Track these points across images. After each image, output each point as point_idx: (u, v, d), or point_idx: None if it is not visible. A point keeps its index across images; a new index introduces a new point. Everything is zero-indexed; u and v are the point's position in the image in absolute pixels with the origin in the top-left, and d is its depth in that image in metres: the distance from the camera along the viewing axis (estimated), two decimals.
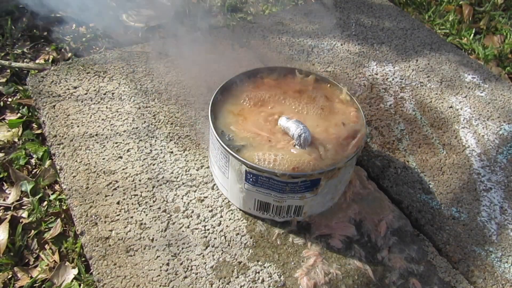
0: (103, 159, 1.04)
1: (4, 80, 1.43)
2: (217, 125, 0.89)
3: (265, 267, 0.86)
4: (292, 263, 0.87)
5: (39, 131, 1.27)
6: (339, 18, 1.61)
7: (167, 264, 0.85)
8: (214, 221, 0.93)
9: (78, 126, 1.11)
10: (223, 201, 0.97)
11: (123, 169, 1.02)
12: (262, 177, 0.82)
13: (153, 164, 1.03)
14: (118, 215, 0.93)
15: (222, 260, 0.87)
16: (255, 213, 0.92)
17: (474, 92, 1.34)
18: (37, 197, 1.10)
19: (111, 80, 1.26)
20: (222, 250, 0.88)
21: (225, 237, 0.90)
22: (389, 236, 0.93)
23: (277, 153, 0.84)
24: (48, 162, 1.18)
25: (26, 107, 1.33)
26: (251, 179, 0.84)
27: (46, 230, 1.04)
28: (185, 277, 0.83)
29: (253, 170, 0.81)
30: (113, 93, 1.22)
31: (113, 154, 1.05)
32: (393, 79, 1.36)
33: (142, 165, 1.03)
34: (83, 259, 0.97)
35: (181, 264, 0.85)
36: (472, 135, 1.20)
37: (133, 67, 1.31)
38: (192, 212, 0.94)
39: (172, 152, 1.06)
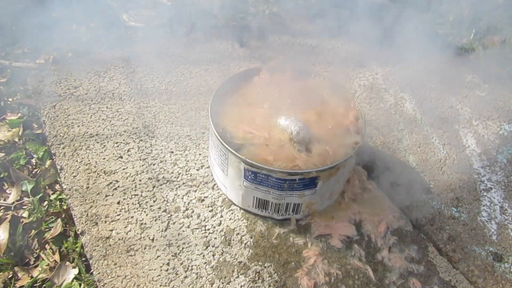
0: (104, 159, 1.04)
1: (4, 80, 1.43)
2: (217, 124, 0.89)
3: (265, 267, 0.86)
4: (293, 263, 0.87)
5: (39, 131, 1.27)
6: (339, 18, 1.61)
7: (168, 264, 0.85)
8: (214, 221, 0.93)
9: (78, 126, 1.11)
10: (223, 201, 0.97)
11: (124, 169, 1.02)
12: (261, 174, 0.82)
13: (154, 164, 1.03)
14: (119, 215, 0.93)
15: (222, 260, 0.87)
16: (254, 211, 0.93)
17: (474, 92, 1.34)
18: (38, 197, 1.10)
19: (111, 80, 1.26)
20: (223, 250, 0.88)
21: (225, 237, 0.90)
22: (389, 236, 0.94)
23: (275, 151, 0.84)
24: (48, 162, 1.18)
25: (26, 107, 1.33)
26: (250, 177, 0.84)
27: (47, 230, 1.04)
28: (186, 277, 0.84)
29: (252, 168, 0.82)
30: (113, 93, 1.22)
31: (114, 154, 1.05)
32: (393, 79, 1.36)
33: (143, 165, 1.03)
34: (83, 259, 0.97)
35: (182, 264, 0.86)
36: (472, 135, 1.20)
37: (133, 67, 1.32)
38: (193, 212, 0.94)
39: (172, 152, 1.06)
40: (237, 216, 0.94)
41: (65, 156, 1.04)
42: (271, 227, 0.92)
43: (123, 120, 1.13)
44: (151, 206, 0.95)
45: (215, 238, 0.90)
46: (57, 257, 0.99)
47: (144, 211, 0.93)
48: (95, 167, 1.02)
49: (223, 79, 0.98)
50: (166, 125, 1.13)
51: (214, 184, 0.99)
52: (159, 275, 0.83)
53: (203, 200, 0.96)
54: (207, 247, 0.88)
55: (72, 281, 0.94)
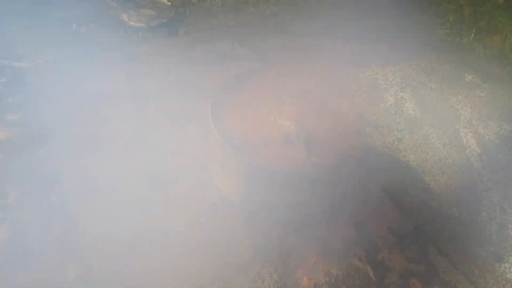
0: (104, 158, 1.04)
1: (4, 80, 1.43)
2: (218, 124, 0.89)
3: (265, 267, 0.86)
4: (293, 263, 0.87)
5: (39, 131, 1.26)
6: (340, 18, 1.61)
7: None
8: (214, 220, 0.93)
9: (79, 126, 1.11)
10: (224, 200, 0.97)
11: (123, 169, 1.02)
12: (261, 174, 0.82)
13: (154, 164, 1.03)
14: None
15: (222, 259, 0.87)
16: (254, 210, 0.93)
17: (474, 92, 1.34)
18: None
19: (111, 80, 1.26)
20: (223, 250, 0.88)
21: (226, 237, 0.90)
22: (389, 236, 0.94)
23: (275, 151, 0.85)
24: (49, 162, 1.17)
25: (26, 107, 1.32)
26: (250, 176, 0.84)
27: None
28: (186, 277, 0.84)
29: (253, 168, 0.82)
30: (114, 93, 1.22)
31: (114, 154, 1.05)
32: (393, 79, 1.36)
33: (144, 165, 1.03)
34: None
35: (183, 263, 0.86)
36: (472, 135, 1.20)
37: (133, 67, 1.31)
38: (193, 211, 0.94)
39: (172, 151, 1.06)
40: (238, 216, 0.94)
41: (66, 156, 1.04)
42: (272, 226, 0.92)
43: (124, 121, 1.13)
44: (151, 206, 0.95)
45: (216, 237, 0.90)
46: None
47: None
48: (95, 167, 1.02)
49: (223, 80, 0.98)
50: (166, 125, 1.13)
51: (215, 184, 0.99)
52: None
53: (203, 200, 0.96)
54: (207, 247, 0.88)
55: None
